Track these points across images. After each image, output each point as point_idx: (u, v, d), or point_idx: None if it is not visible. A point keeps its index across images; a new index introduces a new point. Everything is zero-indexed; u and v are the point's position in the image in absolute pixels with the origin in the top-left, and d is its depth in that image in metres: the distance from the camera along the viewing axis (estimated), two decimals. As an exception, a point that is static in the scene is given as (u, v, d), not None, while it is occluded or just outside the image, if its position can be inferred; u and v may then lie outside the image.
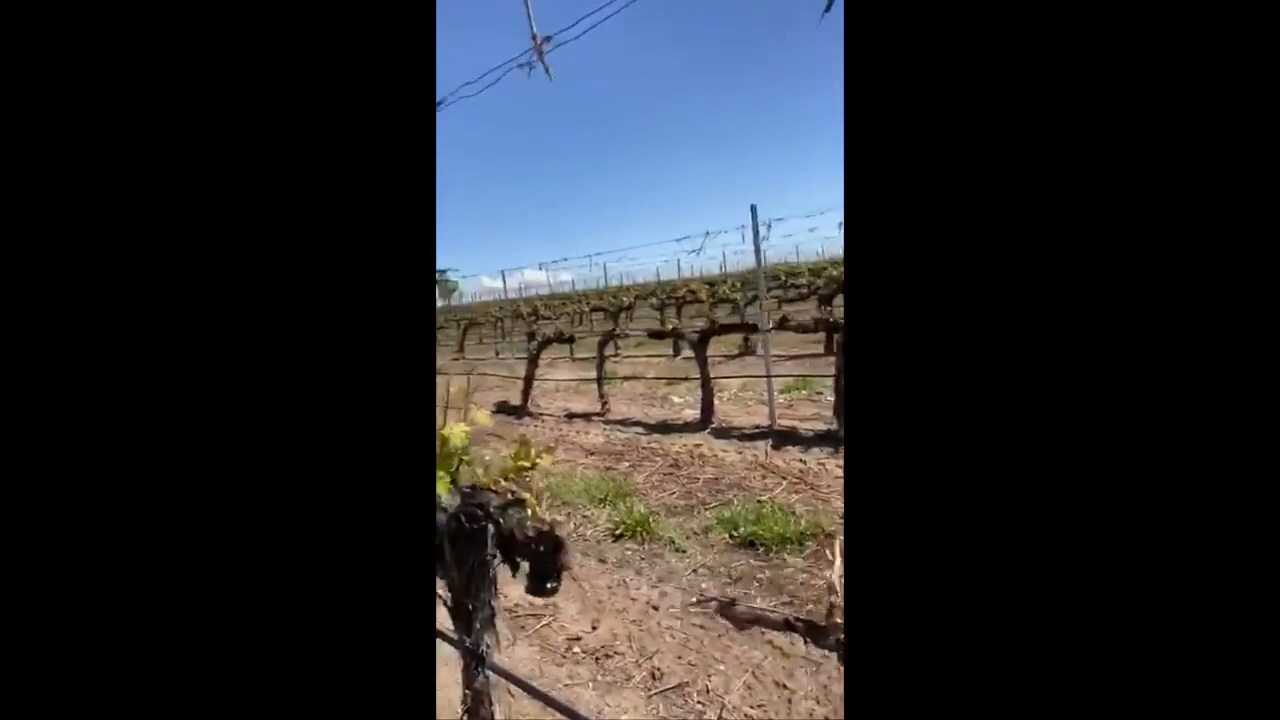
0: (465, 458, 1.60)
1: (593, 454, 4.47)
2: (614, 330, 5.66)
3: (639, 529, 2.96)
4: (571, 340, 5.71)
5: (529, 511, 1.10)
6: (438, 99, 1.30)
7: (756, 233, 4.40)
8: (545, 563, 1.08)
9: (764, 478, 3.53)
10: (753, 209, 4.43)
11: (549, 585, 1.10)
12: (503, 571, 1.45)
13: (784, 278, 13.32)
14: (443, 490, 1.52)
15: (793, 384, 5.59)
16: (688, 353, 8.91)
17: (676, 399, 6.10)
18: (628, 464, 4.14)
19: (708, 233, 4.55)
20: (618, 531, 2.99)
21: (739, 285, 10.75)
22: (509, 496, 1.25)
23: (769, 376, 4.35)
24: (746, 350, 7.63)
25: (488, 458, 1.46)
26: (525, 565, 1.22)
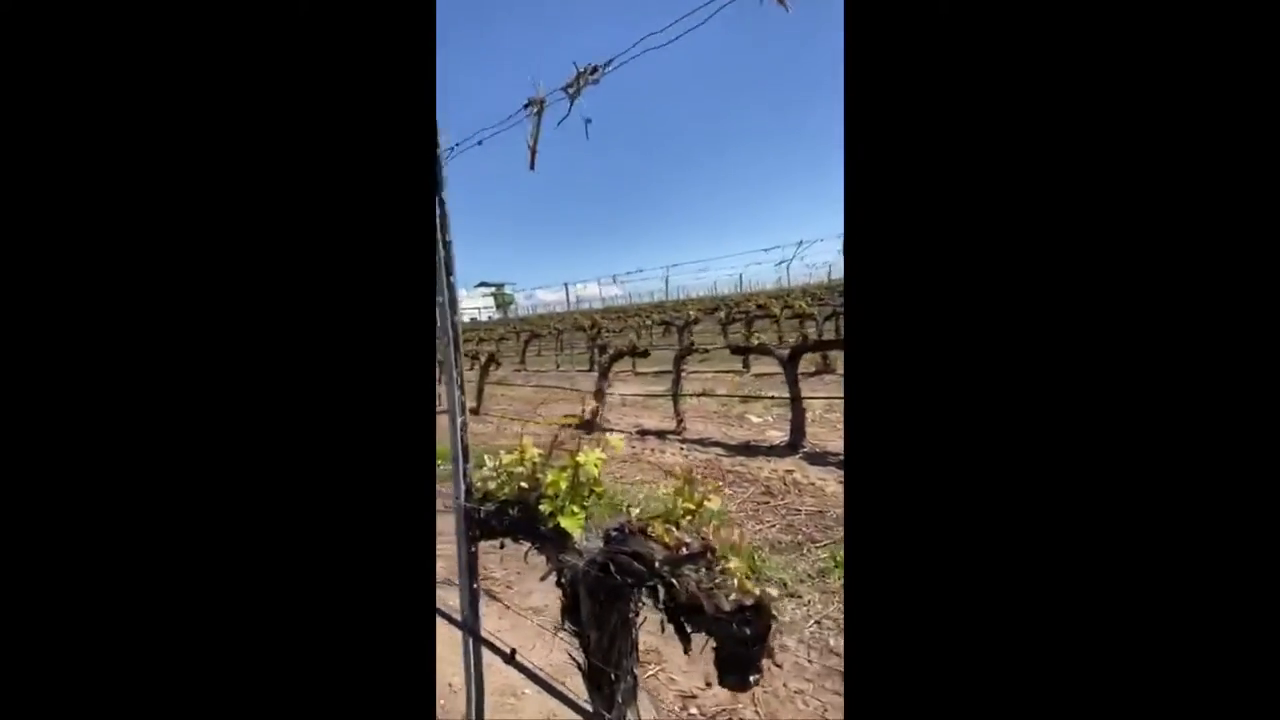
0: (598, 488, 1.36)
1: (672, 475, 4.19)
2: (692, 344, 5.40)
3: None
4: (645, 354, 5.49)
5: (734, 580, 0.84)
6: (602, 64, 1.09)
7: (858, 241, 4.04)
8: (747, 649, 0.81)
9: (876, 513, 3.15)
10: (854, 216, 4.08)
11: (751, 678, 0.83)
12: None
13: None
14: (574, 528, 1.28)
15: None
16: (758, 369, 8.53)
17: (754, 418, 5.76)
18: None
19: (801, 241, 4.21)
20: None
21: (811, 300, 10.26)
22: (683, 550, 0.99)
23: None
24: (825, 368, 7.17)
25: (642, 496, 1.23)
26: (706, 641, 0.96)
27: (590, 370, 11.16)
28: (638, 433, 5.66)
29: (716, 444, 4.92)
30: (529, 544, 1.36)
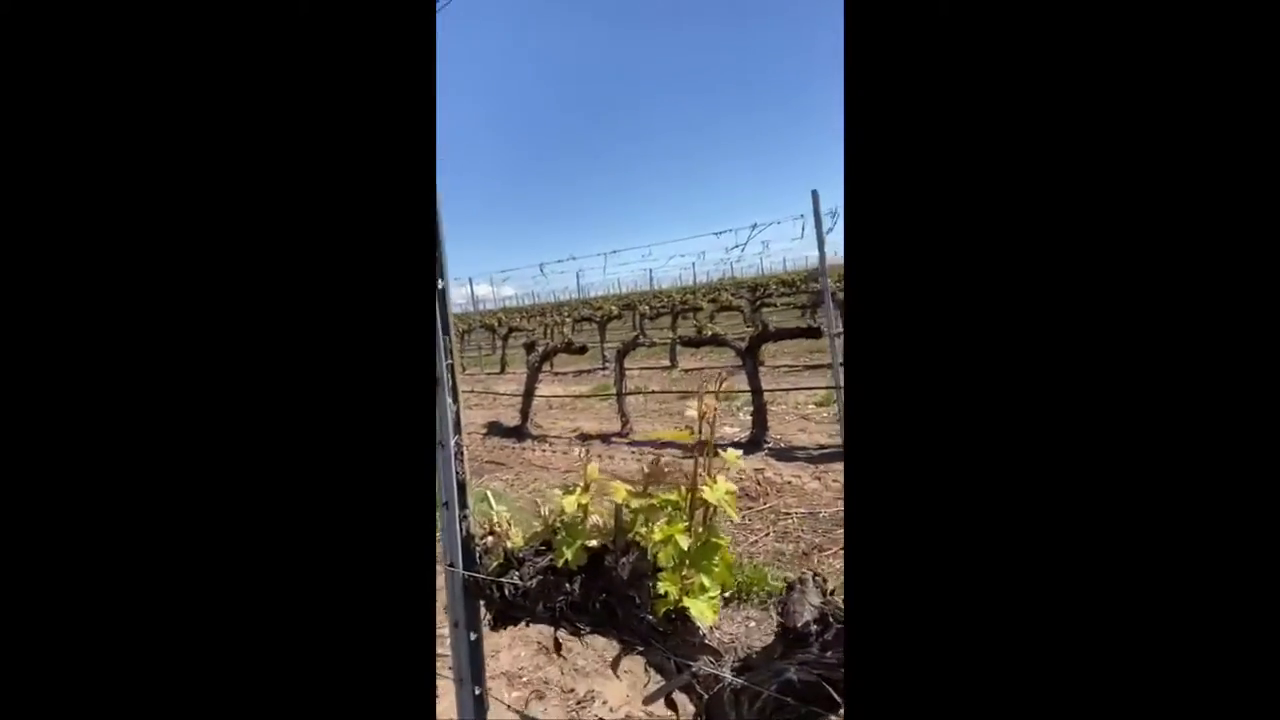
0: (722, 543, 0.86)
1: (630, 482, 3.71)
2: (637, 338, 4.94)
3: (754, 589, 2.27)
4: (583, 350, 4.95)
5: None
6: None
7: (819, 223, 3.84)
8: None
9: (871, 510, 2.92)
10: (814, 195, 3.88)
11: None
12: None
13: (773, 288, 12.89)
14: (708, 615, 0.75)
15: (829, 396, 5.06)
16: (685, 364, 8.29)
17: (693, 414, 5.44)
18: (684, 495, 3.41)
19: (755, 225, 3.95)
20: (725, 593, 2.28)
21: (732, 294, 10.24)
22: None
23: (840, 387, 3.77)
24: (758, 360, 7.07)
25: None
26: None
27: (502, 373, 10.29)
28: (578, 437, 5.11)
29: (668, 444, 4.52)
30: (618, 642, 0.83)
